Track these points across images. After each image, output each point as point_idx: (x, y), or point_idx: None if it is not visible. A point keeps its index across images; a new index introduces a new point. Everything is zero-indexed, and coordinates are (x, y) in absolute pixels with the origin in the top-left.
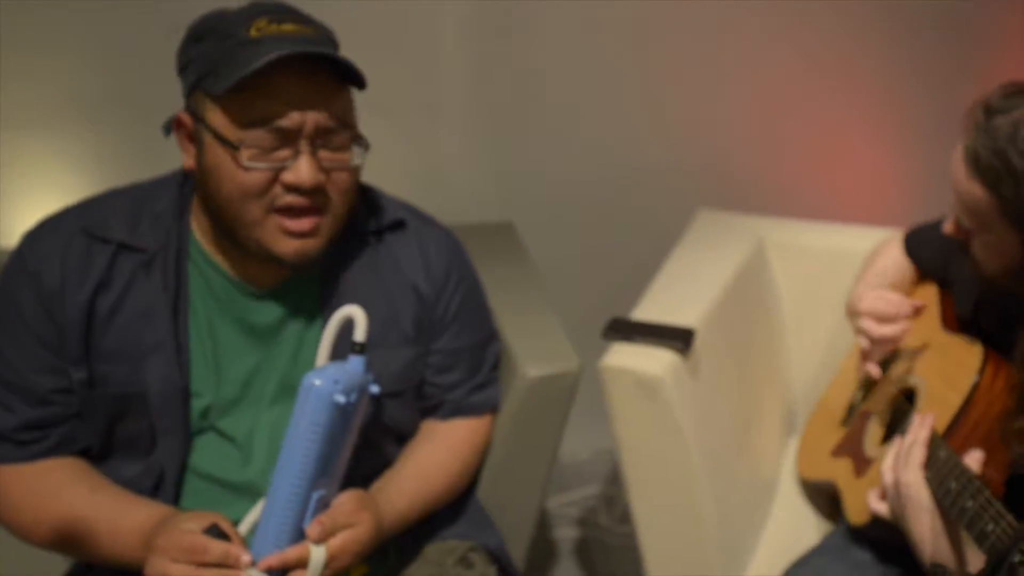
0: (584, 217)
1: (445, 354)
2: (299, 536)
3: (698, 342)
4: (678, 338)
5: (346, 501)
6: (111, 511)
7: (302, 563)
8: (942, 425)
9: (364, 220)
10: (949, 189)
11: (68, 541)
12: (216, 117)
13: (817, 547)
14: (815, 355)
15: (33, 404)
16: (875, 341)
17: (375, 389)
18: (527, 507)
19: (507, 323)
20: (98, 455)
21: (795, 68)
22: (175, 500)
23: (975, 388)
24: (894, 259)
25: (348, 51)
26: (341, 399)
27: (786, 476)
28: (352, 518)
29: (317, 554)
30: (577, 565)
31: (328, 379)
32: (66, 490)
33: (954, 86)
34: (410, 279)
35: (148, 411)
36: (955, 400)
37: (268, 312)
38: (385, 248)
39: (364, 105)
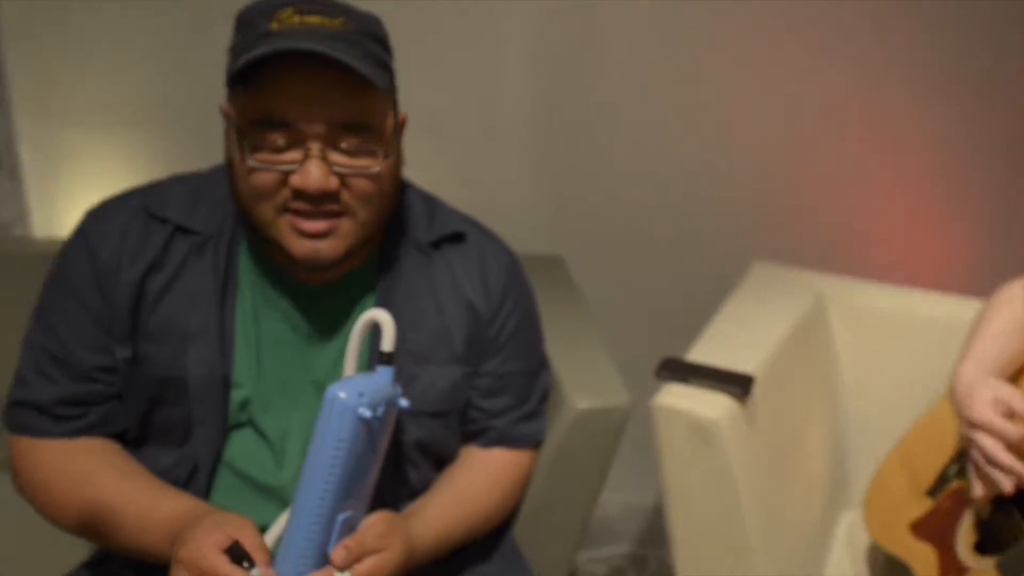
0: (635, 256)
1: (494, 377)
2: (323, 561)
3: (755, 391)
4: (736, 383)
5: (375, 524)
6: (141, 502)
7: None
8: None
9: (422, 230)
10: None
11: (95, 528)
12: (233, 111)
13: None
14: (875, 424)
15: (76, 379)
16: (995, 464)
17: (404, 403)
18: (563, 550)
19: (556, 353)
20: (134, 441)
21: (867, 121)
22: (206, 494)
23: None
24: (1014, 317)
25: (411, 70)
26: (367, 413)
27: (836, 548)
28: (381, 542)
29: None
30: None
31: (353, 392)
32: (98, 474)
33: None
34: (466, 295)
35: (187, 397)
36: None
37: (316, 312)
38: (443, 261)
39: (419, 125)
